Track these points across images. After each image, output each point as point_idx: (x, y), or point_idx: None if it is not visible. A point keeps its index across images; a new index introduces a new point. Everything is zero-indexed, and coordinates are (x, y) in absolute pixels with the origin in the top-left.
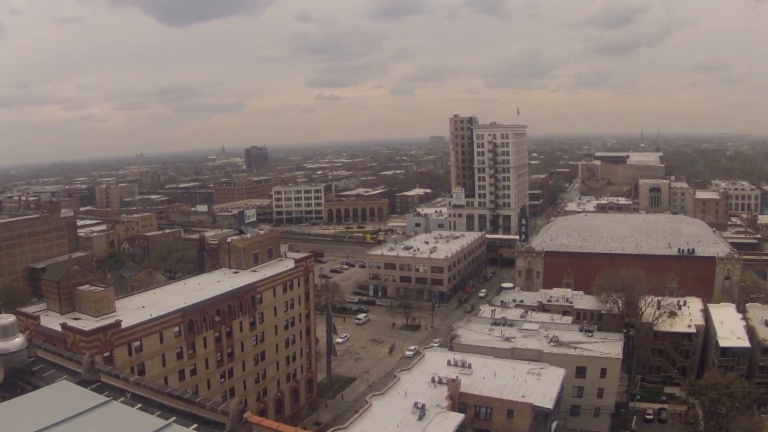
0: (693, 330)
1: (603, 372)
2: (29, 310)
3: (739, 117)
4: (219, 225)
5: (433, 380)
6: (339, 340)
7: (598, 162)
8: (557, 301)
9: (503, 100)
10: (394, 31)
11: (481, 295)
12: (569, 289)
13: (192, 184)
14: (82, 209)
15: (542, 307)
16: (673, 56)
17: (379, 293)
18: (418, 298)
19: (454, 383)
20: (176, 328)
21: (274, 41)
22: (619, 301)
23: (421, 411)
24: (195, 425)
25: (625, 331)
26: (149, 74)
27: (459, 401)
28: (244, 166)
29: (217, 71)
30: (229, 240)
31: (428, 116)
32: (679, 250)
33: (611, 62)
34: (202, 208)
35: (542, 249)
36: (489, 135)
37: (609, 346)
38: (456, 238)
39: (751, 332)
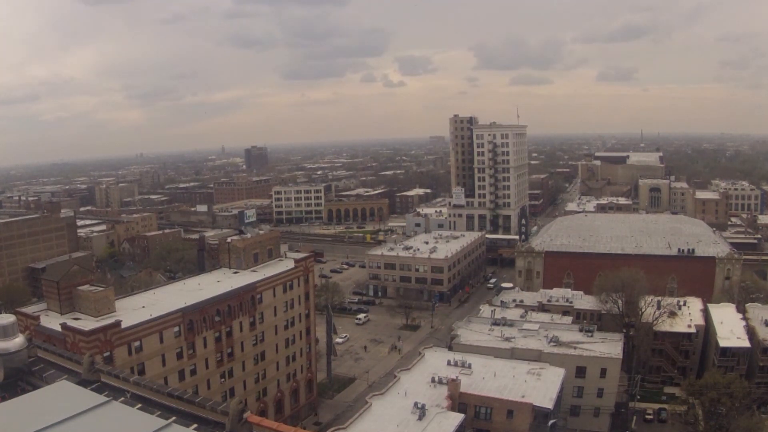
0: (693, 330)
1: (603, 372)
2: (29, 310)
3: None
4: (219, 225)
5: (433, 380)
6: (339, 340)
7: (598, 162)
8: (557, 301)
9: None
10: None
11: (489, 286)
12: (569, 289)
13: (192, 184)
14: (82, 209)
15: (542, 307)
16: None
17: (379, 293)
18: (418, 298)
19: (454, 383)
20: (176, 328)
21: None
22: (619, 301)
23: (421, 411)
24: (195, 425)
25: (625, 331)
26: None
27: (459, 401)
28: (244, 166)
29: (165, 56)
30: (229, 240)
31: (426, 113)
32: (679, 250)
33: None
34: (202, 208)
35: (542, 249)
36: (489, 135)
37: (609, 346)
38: (456, 238)
39: (751, 332)
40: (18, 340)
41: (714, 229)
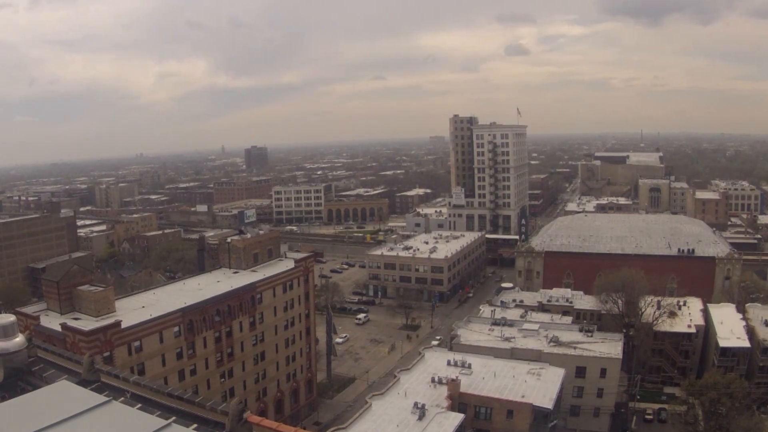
0: (693, 330)
1: (603, 372)
2: (29, 310)
3: None
4: (219, 225)
5: (433, 380)
6: (339, 340)
7: (598, 162)
8: (557, 301)
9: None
10: None
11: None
12: (569, 289)
13: (192, 184)
14: (82, 209)
15: (542, 307)
16: None
17: (379, 293)
18: (418, 298)
19: (454, 383)
20: (176, 328)
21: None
22: (619, 301)
23: (421, 411)
24: (195, 425)
25: (625, 331)
26: None
27: (459, 401)
28: (244, 166)
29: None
30: (229, 240)
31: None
32: (679, 250)
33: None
34: (202, 208)
35: (542, 249)
36: (489, 135)
37: (609, 346)
38: (456, 238)
39: (750, 332)
40: (18, 340)
41: (714, 229)
